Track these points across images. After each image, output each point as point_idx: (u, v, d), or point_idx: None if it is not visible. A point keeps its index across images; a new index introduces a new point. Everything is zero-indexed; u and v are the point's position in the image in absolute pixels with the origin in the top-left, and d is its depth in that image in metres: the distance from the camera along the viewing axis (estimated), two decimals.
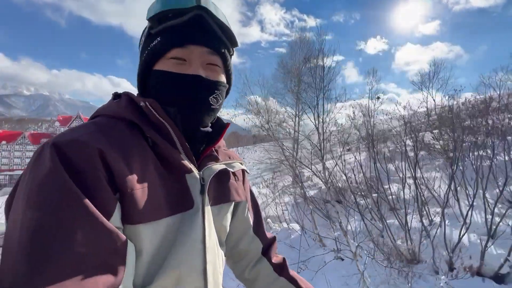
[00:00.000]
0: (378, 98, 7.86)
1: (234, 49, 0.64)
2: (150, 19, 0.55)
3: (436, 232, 2.62)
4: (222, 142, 0.69)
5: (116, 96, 0.58)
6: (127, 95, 0.56)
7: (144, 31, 0.60)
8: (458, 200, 2.89)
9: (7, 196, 0.44)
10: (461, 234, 2.40)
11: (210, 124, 0.63)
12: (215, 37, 0.57)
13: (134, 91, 0.63)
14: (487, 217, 2.60)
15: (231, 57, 0.64)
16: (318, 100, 10.48)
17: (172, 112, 0.55)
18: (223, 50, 0.59)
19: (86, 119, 0.59)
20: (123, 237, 0.41)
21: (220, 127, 0.65)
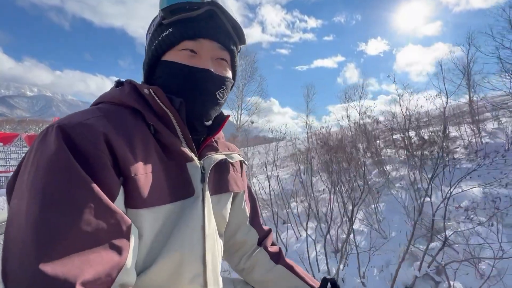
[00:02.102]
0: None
1: (241, 46, 0.65)
2: (163, 10, 0.55)
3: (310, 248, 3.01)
4: (221, 134, 0.70)
5: (119, 83, 0.57)
6: (130, 82, 0.56)
7: (153, 21, 0.59)
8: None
9: (4, 196, 0.44)
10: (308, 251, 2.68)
11: (212, 118, 0.63)
12: (226, 33, 0.58)
13: None
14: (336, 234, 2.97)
15: (237, 54, 0.65)
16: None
17: (177, 102, 0.54)
18: (232, 47, 0.60)
19: None
20: (128, 219, 0.42)
21: (220, 118, 0.65)
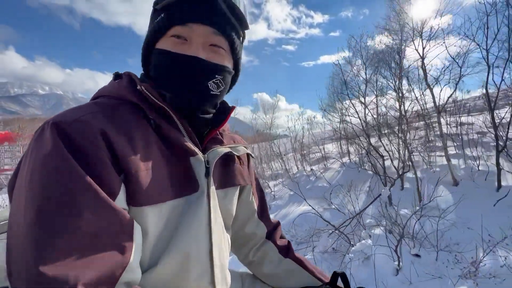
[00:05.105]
0: None
1: (245, 33, 0.61)
2: None
3: None
4: (226, 126, 0.67)
5: (117, 76, 0.55)
6: (128, 75, 0.54)
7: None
8: None
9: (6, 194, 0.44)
10: None
11: (214, 111, 0.60)
12: (222, 16, 0.53)
13: None
14: None
15: (242, 42, 0.60)
16: None
17: (168, 97, 0.52)
18: (230, 32, 0.55)
19: None
20: (129, 217, 0.41)
21: (225, 110, 0.63)
